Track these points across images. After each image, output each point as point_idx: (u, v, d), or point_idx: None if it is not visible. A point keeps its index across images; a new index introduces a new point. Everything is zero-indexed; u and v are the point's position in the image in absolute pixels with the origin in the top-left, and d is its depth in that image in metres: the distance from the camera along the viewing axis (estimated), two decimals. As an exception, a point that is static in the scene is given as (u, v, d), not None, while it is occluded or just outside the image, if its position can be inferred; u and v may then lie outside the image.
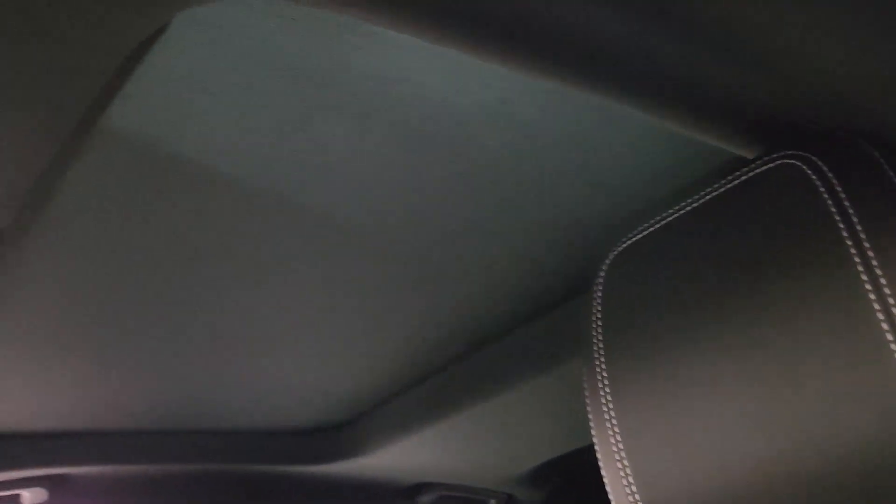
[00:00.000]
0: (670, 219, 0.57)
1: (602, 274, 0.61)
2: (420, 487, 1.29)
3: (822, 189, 0.45)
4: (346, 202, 0.68)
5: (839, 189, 0.44)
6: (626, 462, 0.55)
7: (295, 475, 1.18)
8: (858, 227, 0.43)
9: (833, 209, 0.44)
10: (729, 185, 0.52)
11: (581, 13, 0.43)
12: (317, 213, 0.69)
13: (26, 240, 0.64)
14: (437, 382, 1.07)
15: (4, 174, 0.49)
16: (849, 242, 0.43)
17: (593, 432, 0.59)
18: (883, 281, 0.41)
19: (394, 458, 1.17)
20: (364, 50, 0.50)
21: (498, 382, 1.01)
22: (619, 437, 0.56)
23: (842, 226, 0.43)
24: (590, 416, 0.60)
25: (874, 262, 0.42)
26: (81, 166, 0.58)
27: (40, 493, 1.06)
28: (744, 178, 0.51)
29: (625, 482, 0.56)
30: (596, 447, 0.59)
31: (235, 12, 0.48)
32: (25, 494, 1.06)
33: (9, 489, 1.04)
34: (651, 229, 0.58)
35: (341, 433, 1.18)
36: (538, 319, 0.96)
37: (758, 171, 0.50)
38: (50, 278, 0.71)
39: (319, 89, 0.54)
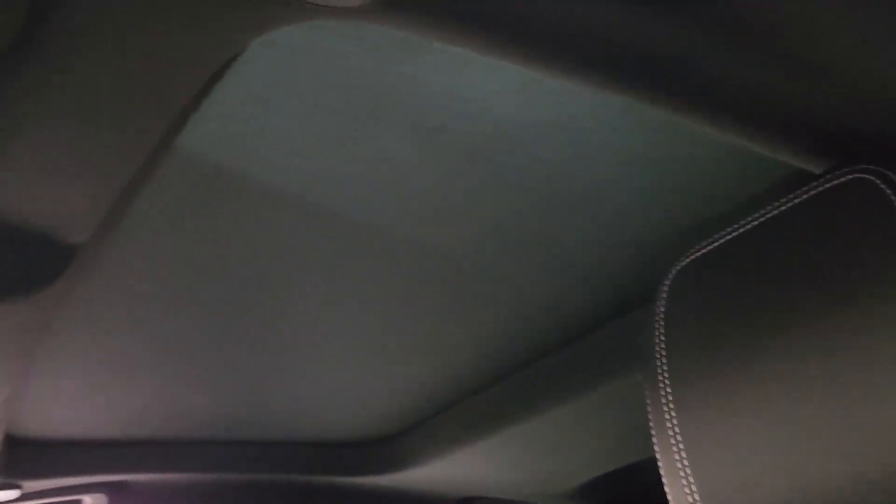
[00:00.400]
0: (736, 234, 0.57)
1: (665, 288, 0.61)
2: (468, 501, 1.29)
3: None
4: (406, 219, 0.69)
5: None
6: (691, 479, 0.55)
7: (344, 486, 1.19)
8: None
9: None
10: (797, 201, 0.52)
11: (649, 31, 0.44)
12: (374, 230, 0.71)
13: (100, 254, 0.66)
14: (487, 396, 1.07)
15: (87, 191, 0.51)
16: None
17: (657, 448, 0.59)
18: None
19: (442, 471, 1.17)
20: (433, 68, 0.51)
21: (549, 397, 1.01)
22: (684, 454, 0.56)
23: None
24: (653, 432, 0.59)
25: None
26: (153, 183, 0.60)
27: (100, 499, 1.09)
28: (813, 193, 0.51)
29: (690, 499, 0.56)
30: (659, 463, 0.59)
31: (306, 33, 0.50)
32: (87, 500, 1.09)
33: (71, 494, 1.07)
34: (716, 244, 0.58)
35: (391, 445, 1.18)
36: (589, 334, 0.96)
37: (828, 185, 0.49)
38: (118, 292, 0.73)
39: (386, 107, 0.55)
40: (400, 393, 1.05)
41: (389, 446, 1.17)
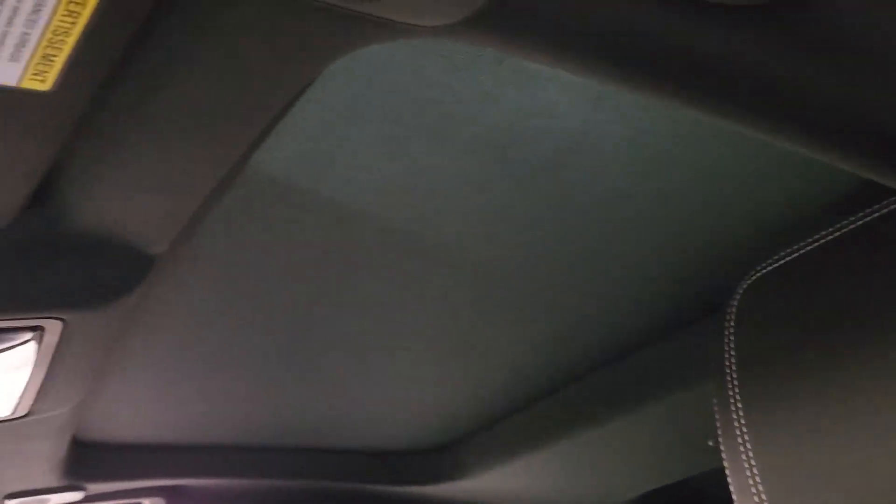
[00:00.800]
0: (811, 248, 0.56)
1: (735, 302, 0.61)
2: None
3: None
4: (469, 231, 0.70)
5: None
6: (763, 496, 0.54)
7: (397, 496, 1.20)
8: None
9: None
10: (877, 215, 0.51)
11: (727, 45, 0.44)
12: (436, 243, 0.71)
13: (174, 266, 0.68)
14: (542, 407, 1.07)
15: (169, 203, 0.52)
16: None
17: (726, 462, 0.58)
18: None
19: (496, 483, 1.17)
20: (507, 82, 0.52)
21: (605, 409, 1.00)
22: (755, 471, 0.55)
23: None
24: (721, 446, 0.59)
25: None
26: (226, 196, 0.62)
27: (158, 503, 1.12)
28: (893, 207, 0.50)
29: None
30: (730, 479, 0.58)
31: (382, 48, 0.51)
32: (145, 503, 1.11)
33: (130, 497, 1.09)
34: (789, 258, 0.58)
35: (444, 455, 1.19)
36: (647, 346, 0.96)
37: None
38: (186, 301, 0.75)
39: (459, 123, 0.56)
40: (455, 403, 1.06)
41: (442, 456, 1.17)
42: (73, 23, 0.33)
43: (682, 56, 0.43)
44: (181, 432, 1.03)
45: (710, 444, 1.11)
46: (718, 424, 0.60)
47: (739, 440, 0.57)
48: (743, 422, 0.57)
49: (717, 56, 0.43)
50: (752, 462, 0.55)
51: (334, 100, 0.54)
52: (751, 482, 0.56)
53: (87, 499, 1.04)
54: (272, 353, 0.87)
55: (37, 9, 0.31)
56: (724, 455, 0.59)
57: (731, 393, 0.58)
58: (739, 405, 0.57)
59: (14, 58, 0.34)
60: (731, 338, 0.60)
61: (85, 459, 0.99)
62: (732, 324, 0.60)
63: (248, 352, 0.85)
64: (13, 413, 0.73)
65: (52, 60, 0.35)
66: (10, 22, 0.32)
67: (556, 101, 0.53)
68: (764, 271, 0.60)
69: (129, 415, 0.96)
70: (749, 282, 0.61)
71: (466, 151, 0.58)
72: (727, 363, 0.60)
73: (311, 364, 0.90)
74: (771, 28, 0.42)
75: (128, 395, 0.91)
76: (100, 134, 0.45)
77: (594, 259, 0.75)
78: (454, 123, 0.55)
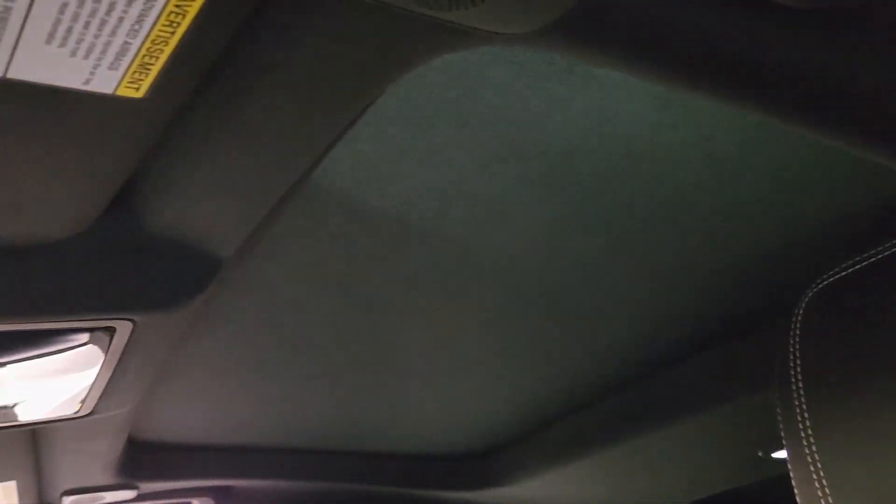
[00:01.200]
0: (880, 257, 0.55)
1: (801, 310, 0.60)
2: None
3: None
4: (525, 244, 0.70)
5: None
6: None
7: (440, 500, 1.20)
8: None
9: None
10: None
11: (799, 50, 0.43)
12: (490, 255, 0.71)
13: (238, 271, 0.69)
14: (585, 416, 1.06)
15: (239, 208, 0.53)
16: None
17: (792, 471, 0.58)
18: None
19: (537, 490, 1.17)
20: (579, 91, 0.52)
21: (651, 419, 0.99)
22: (824, 482, 0.54)
23: None
24: (787, 456, 0.58)
25: None
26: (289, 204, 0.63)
27: (207, 503, 1.13)
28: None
29: None
30: (796, 489, 0.57)
31: (453, 56, 0.51)
32: (195, 503, 1.13)
33: (180, 497, 1.11)
34: (857, 267, 0.57)
35: (487, 461, 1.19)
36: (696, 357, 0.95)
37: None
38: (244, 305, 0.76)
39: (528, 132, 0.56)
40: (499, 410, 1.06)
41: (486, 462, 1.17)
42: (171, 32, 0.34)
43: (748, 59, 0.43)
44: (231, 434, 1.04)
45: (760, 454, 1.09)
46: (783, 434, 0.59)
47: (807, 451, 0.56)
48: (811, 432, 0.56)
49: (782, 59, 0.43)
50: (821, 474, 0.55)
51: (399, 108, 0.55)
52: (819, 494, 0.55)
53: (139, 497, 1.06)
54: (323, 359, 0.87)
55: (140, 18, 0.32)
56: (790, 466, 0.58)
57: (797, 402, 0.58)
58: (806, 415, 0.57)
59: (113, 66, 0.35)
60: (797, 346, 0.59)
61: (139, 458, 1.00)
62: (798, 332, 0.60)
63: (300, 357, 0.86)
64: (77, 412, 0.75)
65: (148, 69, 0.36)
66: (113, 32, 0.33)
67: (624, 108, 0.53)
68: (832, 279, 0.59)
69: (181, 416, 0.98)
70: (815, 290, 0.60)
71: (533, 160, 0.58)
72: (792, 372, 0.59)
73: (360, 370, 0.91)
74: (836, 30, 0.42)
75: (181, 396, 0.92)
76: (182, 140, 0.46)
77: (650, 267, 0.75)
78: (522, 132, 0.56)
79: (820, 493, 0.54)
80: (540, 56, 0.50)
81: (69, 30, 0.32)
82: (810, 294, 0.59)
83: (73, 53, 0.33)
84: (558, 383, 1.00)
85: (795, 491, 0.57)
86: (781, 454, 1.08)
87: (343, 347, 0.86)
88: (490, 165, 0.60)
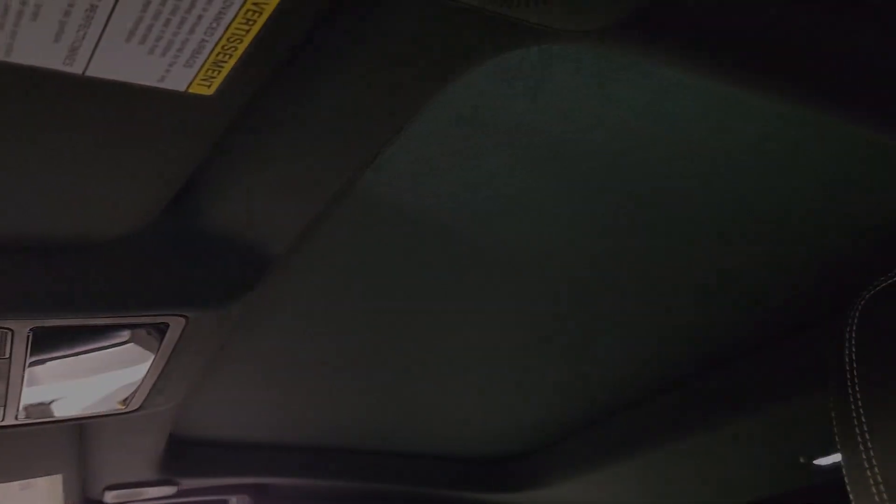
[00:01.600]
0: (941, 260, 0.55)
1: (856, 314, 0.59)
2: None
3: None
4: (572, 245, 0.70)
5: None
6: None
7: (479, 502, 1.20)
8: None
9: None
10: None
11: (862, 45, 0.43)
12: (536, 257, 0.71)
13: (286, 269, 0.70)
14: (625, 419, 1.06)
15: (294, 206, 0.54)
16: None
17: (849, 479, 0.57)
18: None
19: (576, 493, 1.16)
20: (635, 89, 0.52)
21: (693, 423, 0.98)
22: (882, 488, 0.54)
23: None
24: (843, 464, 0.57)
25: None
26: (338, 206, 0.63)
27: (245, 500, 1.14)
28: None
29: None
30: (851, 495, 0.56)
31: (508, 56, 0.51)
32: (232, 500, 1.14)
33: (219, 494, 1.12)
34: (917, 271, 0.56)
35: (525, 463, 1.18)
36: (740, 361, 0.94)
37: None
38: (285, 306, 0.77)
39: (583, 132, 0.56)
40: (543, 411, 1.06)
41: (524, 465, 1.17)
42: (247, 30, 0.34)
43: (817, 55, 0.43)
44: (271, 432, 1.05)
45: (802, 460, 1.08)
46: (838, 439, 0.59)
47: (863, 455, 0.55)
48: (868, 437, 0.55)
49: (845, 54, 0.43)
50: (878, 479, 0.54)
51: (450, 110, 0.55)
52: (877, 500, 0.54)
53: (178, 493, 1.07)
54: (361, 360, 0.88)
55: (219, 16, 0.33)
56: (845, 472, 0.58)
57: (853, 407, 0.57)
58: (863, 419, 0.56)
59: (189, 64, 0.35)
60: (853, 350, 0.59)
61: (180, 455, 1.02)
62: (854, 336, 0.59)
63: (340, 358, 0.86)
64: (125, 407, 0.76)
65: (221, 67, 0.36)
66: (192, 29, 0.33)
67: (680, 107, 0.53)
68: (888, 283, 0.58)
69: (222, 413, 0.99)
70: (871, 294, 0.59)
71: (584, 159, 0.58)
72: (848, 376, 0.58)
73: (400, 372, 0.91)
74: None
75: (223, 393, 0.93)
76: (243, 138, 0.46)
77: (696, 269, 0.74)
78: (576, 131, 0.55)
79: (877, 499, 0.54)
80: (595, 54, 0.50)
81: (150, 27, 0.32)
82: (866, 298, 0.58)
83: (152, 51, 0.34)
84: (596, 387, 0.99)
85: (851, 496, 0.56)
86: (825, 460, 1.06)
87: (381, 348, 0.86)
88: (536, 167, 0.60)
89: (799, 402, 0.91)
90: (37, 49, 0.32)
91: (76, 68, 0.33)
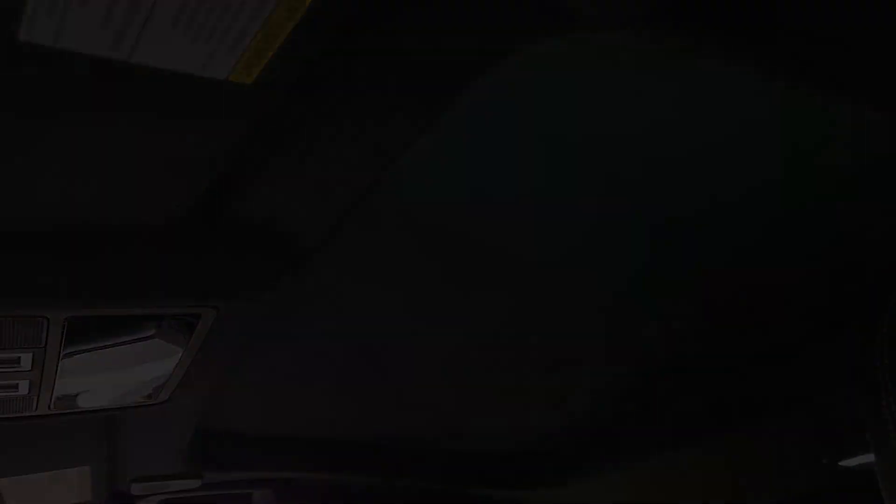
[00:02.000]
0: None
1: (891, 315, 0.59)
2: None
3: None
4: (601, 241, 0.69)
5: None
6: None
7: (504, 499, 1.20)
8: None
9: None
10: None
11: None
12: (570, 253, 0.71)
13: (318, 263, 0.70)
14: (646, 418, 1.05)
15: (326, 199, 0.54)
16: None
17: (882, 480, 0.56)
18: None
19: (594, 493, 1.16)
20: (670, 81, 0.51)
21: (718, 423, 0.98)
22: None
23: None
24: (877, 465, 0.57)
25: None
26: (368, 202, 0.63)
27: (268, 495, 1.15)
28: None
29: None
30: (884, 493, 0.56)
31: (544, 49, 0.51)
32: (256, 494, 1.14)
33: (243, 488, 1.13)
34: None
35: (543, 461, 1.18)
36: (767, 363, 0.93)
37: None
38: (315, 302, 0.77)
39: (615, 126, 0.55)
40: (556, 411, 1.05)
41: (551, 461, 1.16)
42: (289, 18, 0.34)
43: (859, 51, 0.42)
44: (295, 426, 1.05)
45: (824, 462, 1.07)
46: (871, 441, 0.58)
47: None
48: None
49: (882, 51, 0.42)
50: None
51: (484, 106, 0.54)
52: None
53: (202, 486, 1.08)
54: (388, 356, 0.88)
55: (262, 4, 0.33)
56: (878, 473, 0.57)
57: (887, 409, 0.56)
58: (898, 419, 0.55)
59: (231, 51, 0.36)
60: (887, 352, 0.58)
61: (205, 449, 1.02)
62: (888, 339, 0.58)
63: (366, 353, 0.87)
64: (154, 399, 0.77)
65: (262, 55, 0.36)
66: (236, 16, 0.33)
67: (714, 100, 0.52)
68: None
69: (248, 407, 0.99)
70: (906, 294, 0.58)
71: (618, 153, 0.58)
72: (881, 378, 0.57)
73: (429, 367, 0.91)
74: None
75: (249, 387, 0.94)
76: (281, 129, 0.46)
77: (728, 271, 0.74)
78: (610, 125, 0.55)
79: None
80: (633, 50, 0.49)
81: (194, 13, 0.33)
82: None
83: (196, 38, 0.34)
84: (615, 385, 0.99)
85: (884, 496, 0.56)
86: (849, 462, 1.05)
87: (408, 345, 0.86)
88: (574, 163, 0.59)
89: (822, 404, 0.90)
90: (84, 35, 0.32)
91: (122, 54, 0.34)
